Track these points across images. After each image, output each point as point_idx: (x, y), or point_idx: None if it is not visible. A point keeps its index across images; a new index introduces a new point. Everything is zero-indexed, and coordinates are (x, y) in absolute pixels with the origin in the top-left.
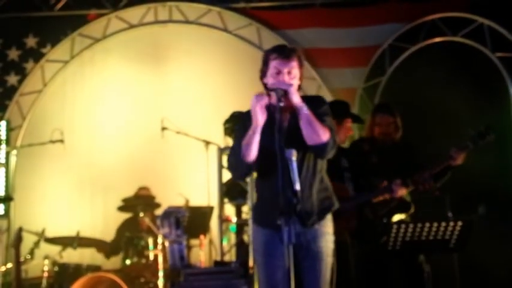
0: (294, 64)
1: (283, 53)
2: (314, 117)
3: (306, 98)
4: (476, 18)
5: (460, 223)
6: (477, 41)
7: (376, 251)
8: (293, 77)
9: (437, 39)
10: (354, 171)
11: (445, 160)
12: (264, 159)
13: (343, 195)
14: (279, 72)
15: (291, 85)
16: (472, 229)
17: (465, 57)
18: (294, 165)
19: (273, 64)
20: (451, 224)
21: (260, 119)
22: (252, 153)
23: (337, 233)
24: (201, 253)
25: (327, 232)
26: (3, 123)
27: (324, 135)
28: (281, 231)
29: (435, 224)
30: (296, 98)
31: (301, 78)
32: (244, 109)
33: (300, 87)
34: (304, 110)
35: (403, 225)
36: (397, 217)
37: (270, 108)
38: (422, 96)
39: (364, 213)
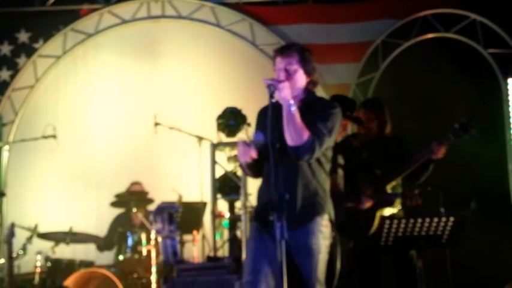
0: (291, 60)
1: (280, 50)
2: (296, 118)
3: (316, 100)
4: (469, 14)
5: (452, 219)
6: (469, 37)
7: (364, 246)
8: (291, 73)
9: (430, 36)
10: (345, 168)
11: (426, 154)
12: (266, 156)
13: (334, 192)
14: (278, 70)
15: (280, 81)
16: (465, 225)
17: (457, 53)
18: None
19: (275, 62)
20: (443, 219)
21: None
22: (252, 173)
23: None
24: (194, 248)
25: (318, 230)
26: None
27: (299, 138)
28: (269, 227)
29: (427, 220)
30: (283, 94)
31: (308, 73)
32: (237, 104)
33: (312, 82)
34: (290, 107)
35: (395, 221)
36: (386, 211)
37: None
38: (415, 92)
39: (349, 207)
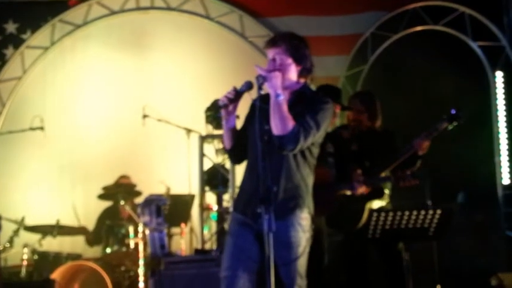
0: (279, 50)
1: (269, 41)
2: (282, 107)
3: (310, 94)
4: (458, 7)
5: (439, 211)
6: (458, 29)
7: (353, 239)
8: (279, 63)
9: (419, 28)
10: (335, 159)
11: (408, 150)
12: (250, 147)
13: (324, 181)
14: (268, 61)
15: (271, 70)
16: (451, 217)
17: (446, 45)
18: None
19: (267, 54)
20: (430, 212)
21: (223, 115)
22: (226, 141)
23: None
24: (182, 241)
25: (297, 222)
26: None
27: (283, 127)
28: (250, 218)
29: (414, 212)
30: (272, 83)
31: (298, 61)
32: None
33: (305, 69)
34: (277, 96)
35: (382, 213)
36: (375, 203)
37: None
38: (404, 85)
39: (339, 199)
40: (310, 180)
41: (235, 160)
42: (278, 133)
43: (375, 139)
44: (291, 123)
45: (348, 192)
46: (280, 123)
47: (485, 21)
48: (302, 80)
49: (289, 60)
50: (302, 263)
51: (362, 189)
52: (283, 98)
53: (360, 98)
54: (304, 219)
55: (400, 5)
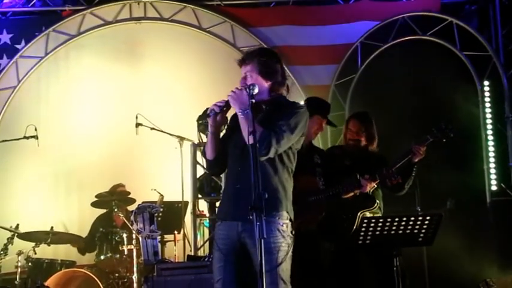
0: (248, 68)
1: (240, 59)
2: (250, 121)
3: (284, 102)
4: (446, 17)
5: (428, 217)
6: (446, 39)
7: (345, 247)
8: (251, 80)
9: (408, 38)
10: (326, 172)
11: (406, 154)
12: (230, 156)
13: (313, 188)
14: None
15: (233, 91)
16: (440, 223)
17: (435, 55)
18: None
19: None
20: (420, 218)
21: (211, 124)
22: (208, 152)
23: (306, 224)
24: (175, 248)
25: (275, 228)
26: None
27: (251, 137)
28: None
29: (404, 219)
30: (235, 102)
31: (267, 77)
32: None
33: (277, 83)
34: (244, 112)
35: (373, 220)
36: (366, 212)
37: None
38: (393, 93)
39: (331, 207)
40: (289, 185)
41: (215, 170)
42: (250, 142)
43: (367, 159)
44: (259, 130)
45: (357, 192)
46: (249, 133)
47: (473, 31)
48: (279, 92)
49: (259, 78)
50: (284, 269)
51: (371, 185)
52: (249, 111)
53: (359, 118)
54: (283, 225)
55: (389, 15)
